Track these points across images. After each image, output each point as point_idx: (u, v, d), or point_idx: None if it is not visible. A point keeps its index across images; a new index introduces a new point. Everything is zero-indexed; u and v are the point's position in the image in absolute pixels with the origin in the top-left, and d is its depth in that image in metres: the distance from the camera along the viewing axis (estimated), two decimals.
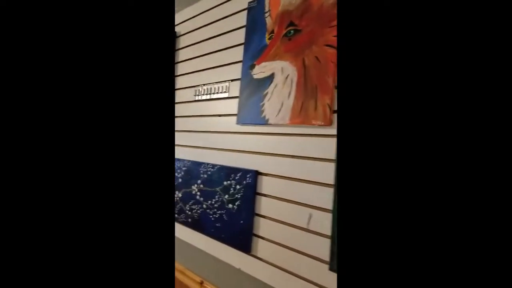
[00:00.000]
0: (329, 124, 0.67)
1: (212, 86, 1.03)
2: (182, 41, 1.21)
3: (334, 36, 0.68)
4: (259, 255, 0.81)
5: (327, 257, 0.65)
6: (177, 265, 1.09)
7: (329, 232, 0.65)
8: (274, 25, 0.82)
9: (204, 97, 1.06)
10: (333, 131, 0.67)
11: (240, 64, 0.93)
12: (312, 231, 0.69)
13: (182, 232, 1.08)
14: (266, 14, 0.85)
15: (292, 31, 0.77)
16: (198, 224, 1.00)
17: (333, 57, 0.68)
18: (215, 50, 1.04)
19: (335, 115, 0.67)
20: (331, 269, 0.63)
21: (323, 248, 0.66)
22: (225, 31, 1.00)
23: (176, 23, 1.25)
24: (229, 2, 1.00)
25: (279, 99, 0.78)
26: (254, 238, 0.83)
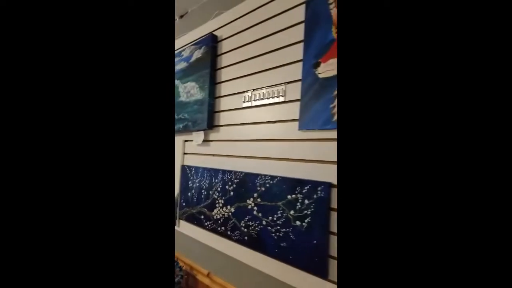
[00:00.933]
0: None
1: (265, 91, 0.94)
2: (224, 46, 1.14)
3: None
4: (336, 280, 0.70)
5: None
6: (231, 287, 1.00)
7: None
8: None
9: (255, 103, 0.97)
10: None
11: (298, 64, 0.84)
12: None
13: (237, 251, 0.98)
14: (331, 6, 0.76)
15: None
16: (258, 243, 0.90)
17: None
18: (265, 51, 0.95)
19: None
20: None
21: None
22: (276, 30, 0.92)
23: (216, 27, 1.19)
24: (274, 1, 0.92)
25: None
26: (331, 261, 0.71)
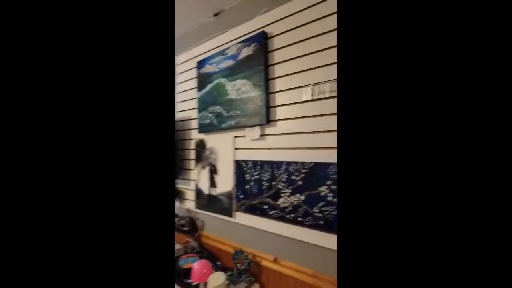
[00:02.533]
0: None
1: (329, 85, 1.00)
2: (276, 42, 1.19)
3: None
4: None
5: None
6: (306, 269, 1.08)
7: None
8: None
9: (317, 97, 1.03)
10: None
11: None
12: None
13: (310, 235, 1.06)
14: None
15: None
16: (334, 226, 0.98)
17: None
18: (325, 47, 1.01)
19: None
20: None
21: None
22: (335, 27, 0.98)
23: (264, 24, 1.23)
24: (326, 1, 0.97)
25: None
26: None
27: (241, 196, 1.33)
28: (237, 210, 1.36)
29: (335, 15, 0.99)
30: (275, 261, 1.20)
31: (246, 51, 1.27)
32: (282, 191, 1.15)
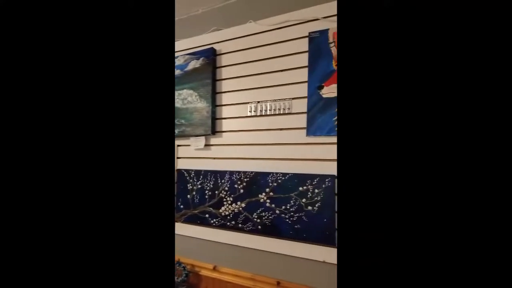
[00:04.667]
0: None
1: (271, 104, 1.14)
2: (223, 60, 1.28)
3: None
4: None
5: None
6: (245, 273, 1.15)
7: None
8: None
9: (260, 113, 1.16)
10: None
11: (303, 85, 1.07)
12: None
13: (249, 240, 1.14)
14: (331, 44, 1.02)
15: None
16: (272, 230, 1.09)
17: None
18: (270, 70, 1.15)
19: None
20: None
21: None
22: (280, 54, 1.13)
23: (213, 41, 1.31)
24: (279, 30, 1.14)
25: None
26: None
27: (181, 206, 1.32)
28: (176, 221, 1.34)
29: (280, 44, 1.14)
30: (215, 269, 1.22)
31: (194, 64, 1.32)
32: (224, 200, 1.20)
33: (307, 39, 1.08)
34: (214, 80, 1.28)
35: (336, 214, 0.98)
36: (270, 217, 1.09)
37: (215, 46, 1.30)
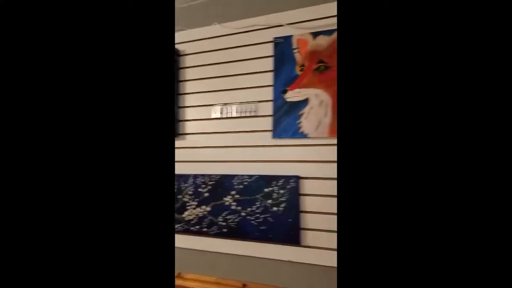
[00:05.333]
0: None
1: (237, 106, 1.14)
2: (187, 61, 1.25)
3: None
4: (309, 244, 1.00)
5: None
6: (209, 278, 1.12)
7: None
8: (304, 60, 1.05)
9: (226, 115, 1.15)
10: None
11: (269, 88, 1.10)
12: None
13: (214, 244, 1.12)
14: (295, 51, 1.07)
15: (322, 67, 1.02)
16: (238, 232, 1.08)
17: None
18: (235, 73, 1.16)
19: None
20: None
21: None
22: (246, 58, 1.15)
23: (177, 41, 1.27)
24: (244, 33, 1.15)
25: (316, 118, 1.01)
26: (303, 231, 1.01)
27: None
28: None
29: (245, 47, 1.15)
30: (179, 276, 1.17)
31: None
32: (188, 204, 1.16)
33: (272, 44, 1.11)
34: (178, 81, 1.24)
35: (300, 214, 1.01)
36: (235, 220, 1.09)
37: (179, 47, 1.27)
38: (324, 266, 0.97)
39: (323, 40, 1.03)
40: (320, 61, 1.02)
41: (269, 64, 1.10)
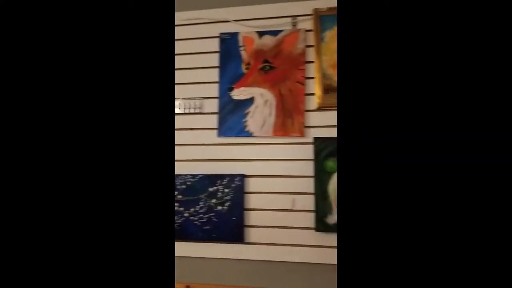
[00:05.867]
0: (303, 135, 1.00)
1: (180, 102, 1.09)
2: None
3: (302, 76, 1.01)
4: (252, 241, 1.01)
5: (312, 224, 0.97)
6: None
7: (312, 207, 0.98)
8: (250, 58, 1.05)
9: (187, 111, 1.09)
10: (307, 140, 1.00)
11: (214, 85, 1.07)
12: (297, 210, 0.99)
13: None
14: (241, 48, 1.06)
15: (267, 67, 1.03)
16: (180, 234, 1.04)
17: (303, 91, 1.01)
18: (179, 67, 1.10)
19: (307, 129, 1.00)
20: (317, 230, 0.96)
21: (309, 219, 0.98)
22: (191, 52, 1.10)
23: None
24: (189, 26, 1.10)
25: (261, 117, 1.02)
26: (247, 229, 1.02)
27: None
28: None
29: (190, 40, 1.10)
30: None
31: None
32: None
33: (218, 39, 1.08)
34: None
35: (244, 212, 1.02)
36: (178, 221, 1.04)
37: None
38: (269, 261, 1.00)
39: (268, 40, 1.04)
40: (265, 61, 1.03)
41: (214, 59, 1.08)
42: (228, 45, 1.06)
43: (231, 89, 1.05)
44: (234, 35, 1.06)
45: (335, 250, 0.96)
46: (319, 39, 1.00)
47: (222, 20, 1.09)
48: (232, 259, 1.02)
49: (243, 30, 1.06)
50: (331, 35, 1.00)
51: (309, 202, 0.99)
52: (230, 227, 1.02)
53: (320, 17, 1.01)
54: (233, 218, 1.02)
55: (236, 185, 1.02)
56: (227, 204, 1.02)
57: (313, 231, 0.97)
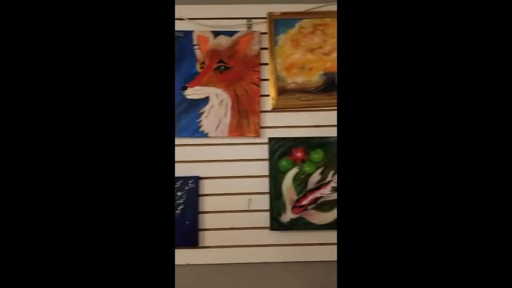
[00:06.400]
0: (259, 135, 1.01)
1: None
2: None
3: (257, 78, 1.02)
4: (206, 245, 0.99)
5: (267, 224, 0.98)
6: None
7: (267, 207, 0.98)
8: (204, 58, 1.03)
9: None
10: (262, 140, 1.01)
11: None
12: (252, 210, 0.99)
13: None
14: (196, 47, 1.03)
15: (222, 67, 1.02)
16: None
17: (258, 92, 1.02)
18: None
19: (262, 130, 1.01)
20: (272, 229, 0.97)
21: (264, 219, 0.98)
22: None
23: None
24: None
25: (216, 117, 1.01)
26: (201, 232, 0.99)
27: None
28: None
29: None
30: None
31: None
32: None
33: None
34: None
35: (198, 215, 0.99)
36: None
37: None
38: (224, 264, 0.98)
39: (224, 40, 1.03)
40: (220, 61, 1.03)
41: None
42: (182, 43, 1.03)
43: (185, 88, 1.01)
44: (188, 33, 1.04)
45: (290, 248, 0.98)
46: (273, 42, 1.03)
47: (176, 17, 1.05)
48: (185, 264, 0.98)
49: (198, 29, 1.04)
50: (285, 38, 1.04)
51: (264, 201, 0.99)
52: (184, 231, 0.97)
53: (274, 20, 1.04)
54: (187, 222, 0.98)
55: (190, 188, 0.99)
56: (180, 207, 0.98)
57: (267, 230, 0.98)
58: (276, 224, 0.97)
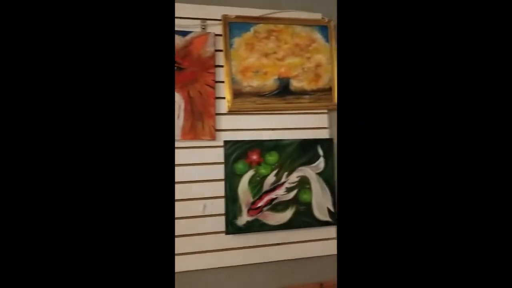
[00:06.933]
0: (214, 138, 0.99)
1: None
2: None
3: (212, 80, 1.01)
4: None
5: (223, 228, 0.96)
6: None
7: (223, 211, 0.97)
8: None
9: None
10: (217, 143, 1.00)
11: None
12: (208, 215, 0.97)
13: None
14: None
15: (176, 67, 0.99)
16: None
17: (213, 94, 1.00)
18: None
19: (217, 133, 1.00)
20: (227, 233, 0.96)
21: (219, 223, 0.96)
22: None
23: None
24: None
25: None
26: None
27: None
28: None
29: None
30: None
31: None
32: None
33: None
34: None
35: None
36: None
37: None
38: (179, 272, 0.93)
39: (177, 40, 1.00)
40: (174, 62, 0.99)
41: None
42: None
43: None
44: None
45: (245, 250, 0.98)
46: (228, 45, 1.03)
47: None
48: None
49: None
50: (240, 42, 1.04)
51: (220, 205, 0.98)
52: None
53: (229, 23, 1.03)
54: None
55: None
56: None
57: (223, 235, 0.97)
58: (231, 228, 0.96)
